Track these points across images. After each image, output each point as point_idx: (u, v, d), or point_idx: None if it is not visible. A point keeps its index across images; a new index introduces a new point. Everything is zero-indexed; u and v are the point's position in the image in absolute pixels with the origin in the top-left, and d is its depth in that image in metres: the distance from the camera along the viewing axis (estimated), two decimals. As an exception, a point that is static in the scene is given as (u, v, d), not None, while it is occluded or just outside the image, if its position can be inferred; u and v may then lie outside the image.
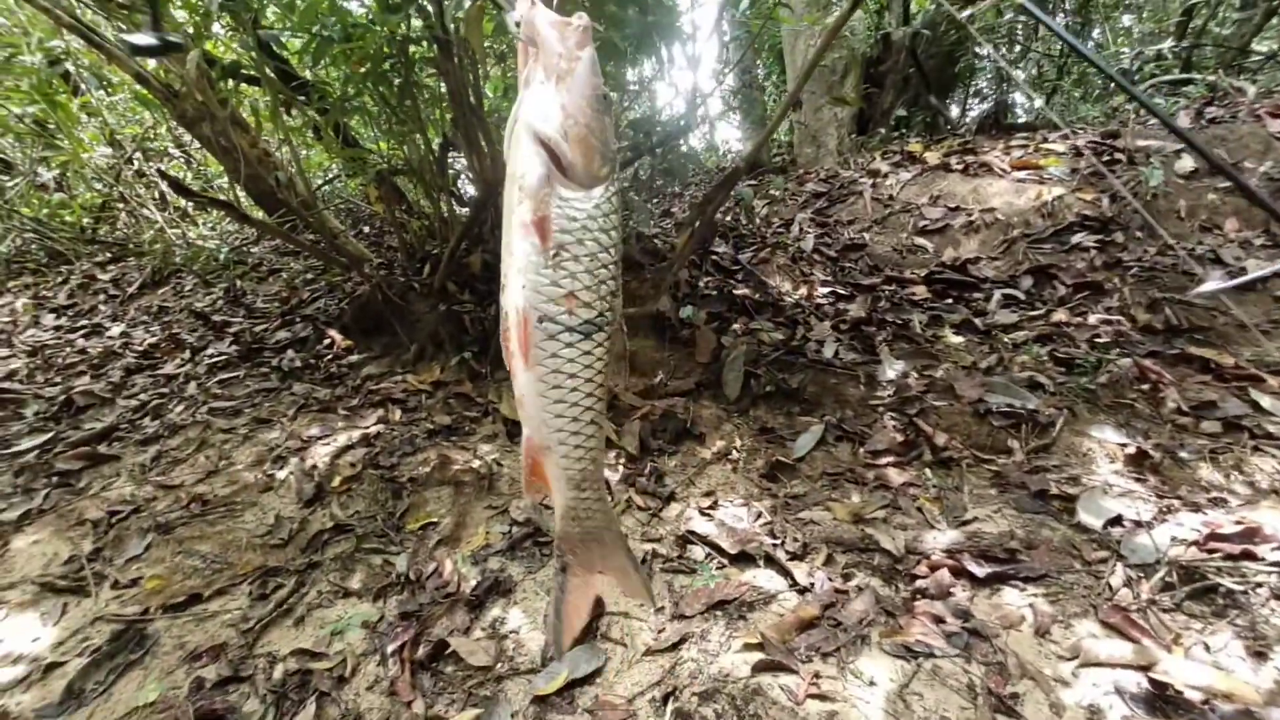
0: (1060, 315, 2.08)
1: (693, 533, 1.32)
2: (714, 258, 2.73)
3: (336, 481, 1.62)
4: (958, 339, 2.00)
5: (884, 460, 1.51)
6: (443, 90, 2.19)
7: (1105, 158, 2.84)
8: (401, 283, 2.58)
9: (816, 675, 0.94)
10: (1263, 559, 1.07)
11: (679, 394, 1.92)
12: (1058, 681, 0.90)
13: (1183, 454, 1.38)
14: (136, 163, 4.54)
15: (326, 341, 2.60)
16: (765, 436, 1.68)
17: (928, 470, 1.43)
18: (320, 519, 1.50)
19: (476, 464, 1.67)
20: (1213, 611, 0.99)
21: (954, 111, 5.66)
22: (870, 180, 3.37)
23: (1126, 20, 6.16)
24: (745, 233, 3.09)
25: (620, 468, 1.64)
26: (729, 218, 3.39)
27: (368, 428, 1.91)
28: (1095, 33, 5.89)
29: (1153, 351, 1.81)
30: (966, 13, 4.08)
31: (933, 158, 3.40)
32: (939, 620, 1.02)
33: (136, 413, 2.15)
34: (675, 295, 2.21)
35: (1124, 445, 1.42)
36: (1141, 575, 1.07)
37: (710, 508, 1.41)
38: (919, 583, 1.12)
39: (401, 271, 2.71)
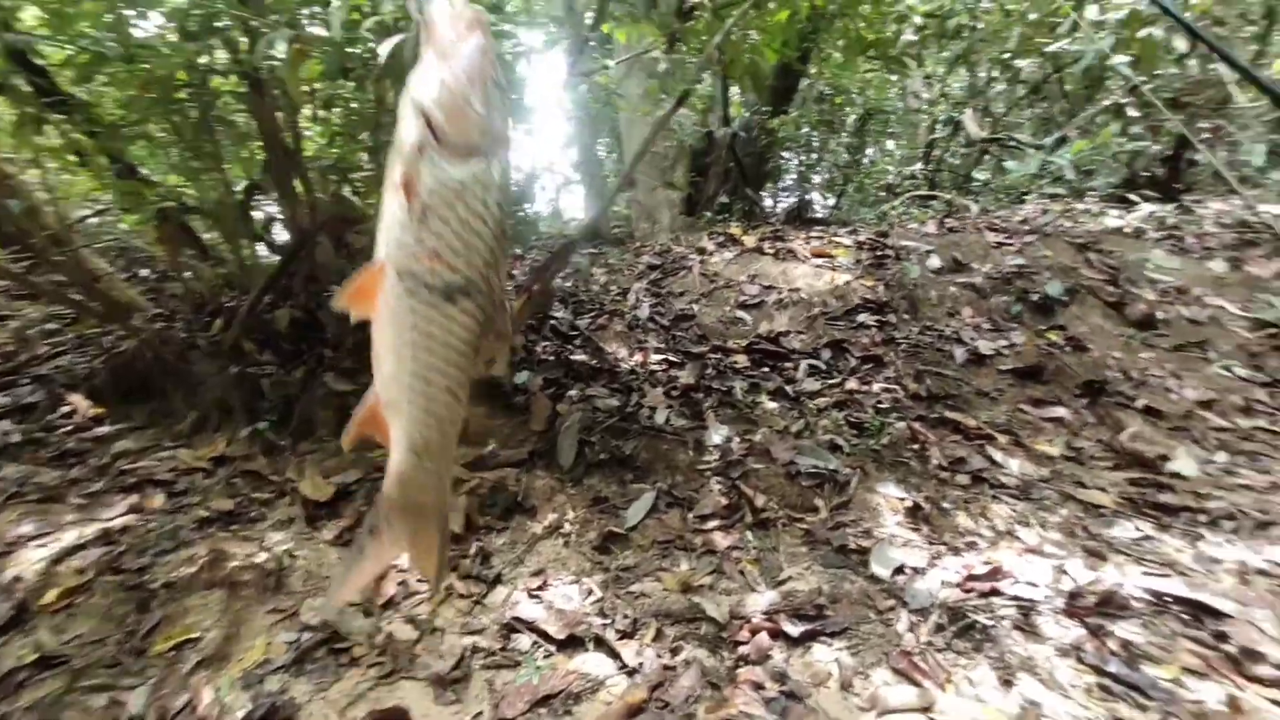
0: (852, 384, 2.39)
1: (518, 619, 1.23)
2: (553, 322, 2.73)
3: (51, 596, 1.26)
4: (773, 405, 2.19)
5: (710, 524, 1.57)
6: (254, 128, 1.98)
7: (880, 253, 3.42)
8: (182, 339, 2.20)
9: (643, 767, 0.90)
10: (1005, 594, 1.27)
11: (511, 464, 1.84)
12: (860, 735, 0.96)
13: (945, 504, 1.62)
14: None
15: (66, 409, 2.09)
16: (598, 506, 1.66)
17: (749, 533, 1.51)
18: (15, 651, 1.14)
19: (262, 557, 1.41)
20: (972, 646, 1.14)
21: (767, 202, 6.51)
22: (699, 257, 3.67)
23: (890, 145, 7.67)
24: (584, 299, 3.16)
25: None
26: (569, 283, 3.45)
27: (110, 520, 1.53)
28: (869, 151, 7.24)
29: (920, 415, 2.15)
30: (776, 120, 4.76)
31: (749, 241, 3.83)
32: (759, 687, 1.04)
33: None
34: (511, 361, 2.15)
35: (903, 499, 1.63)
36: (920, 619, 1.20)
37: (539, 588, 1.34)
38: (741, 649, 1.14)
39: (184, 325, 2.31)
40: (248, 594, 1.32)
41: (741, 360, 2.64)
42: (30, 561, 1.35)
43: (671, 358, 2.59)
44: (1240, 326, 2.88)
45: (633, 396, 2.15)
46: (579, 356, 2.45)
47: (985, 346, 2.61)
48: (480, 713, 1.02)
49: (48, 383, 2.24)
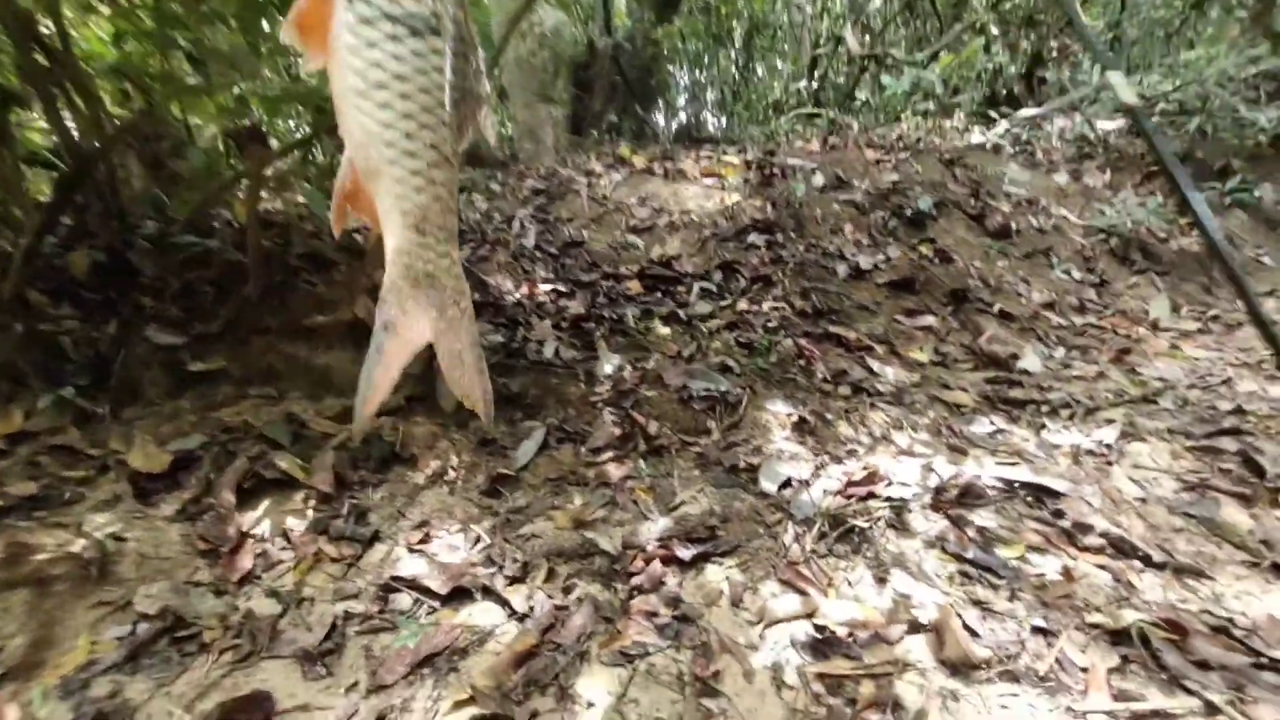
0: (743, 304, 2.40)
1: (397, 578, 1.14)
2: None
3: None
4: (665, 330, 2.15)
5: (604, 457, 1.53)
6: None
7: (767, 171, 3.40)
8: (-60, 292, 1.76)
9: (534, 715, 0.87)
10: (880, 496, 1.35)
11: (385, 413, 1.68)
12: (749, 648, 0.98)
13: (828, 415, 1.69)
14: None
15: None
16: (486, 449, 1.56)
17: (642, 461, 1.48)
18: None
19: (79, 545, 1.19)
20: (851, 550, 1.20)
21: (659, 121, 6.29)
22: (586, 180, 3.48)
23: (778, 62, 7.59)
24: (463, 229, 2.91)
25: (310, 512, 1.35)
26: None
27: None
28: (759, 69, 7.12)
29: (806, 332, 2.21)
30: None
31: (640, 162, 3.67)
32: (652, 615, 1.03)
33: None
34: (374, 297, 1.92)
35: (790, 414, 1.67)
36: (805, 529, 1.25)
37: (421, 542, 1.24)
38: (635, 580, 1.13)
39: (-58, 276, 1.85)
40: (61, 589, 1.11)
41: (634, 286, 2.57)
42: None
43: (561, 287, 2.46)
44: (1077, 234, 3.19)
45: (519, 331, 2.03)
46: (459, 291, 2.26)
47: (865, 261, 2.71)
48: (355, 683, 0.94)
49: None
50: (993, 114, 4.73)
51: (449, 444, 1.58)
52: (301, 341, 1.85)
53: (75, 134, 1.78)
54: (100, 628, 1.06)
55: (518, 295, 2.35)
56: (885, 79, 4.64)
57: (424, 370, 1.80)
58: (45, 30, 1.69)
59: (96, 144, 1.68)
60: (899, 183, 3.29)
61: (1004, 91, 5.26)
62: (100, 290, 1.84)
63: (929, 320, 2.39)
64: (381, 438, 1.57)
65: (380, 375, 0.77)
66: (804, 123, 5.37)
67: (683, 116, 6.30)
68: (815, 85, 5.99)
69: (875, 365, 1.99)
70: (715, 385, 1.74)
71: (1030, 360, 2.12)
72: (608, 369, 1.85)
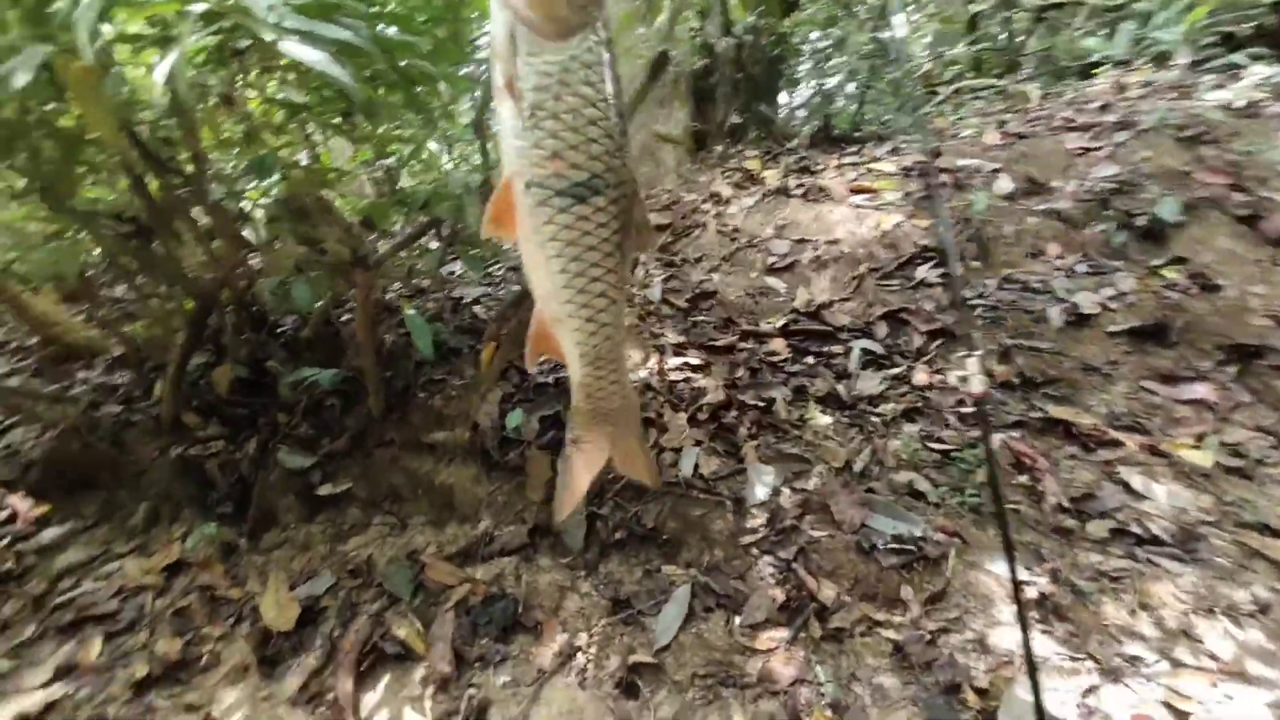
0: (920, 374, 1.93)
1: None
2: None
3: None
4: (825, 419, 1.76)
5: (765, 638, 1.20)
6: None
7: (933, 179, 2.81)
8: (115, 416, 1.87)
9: None
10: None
11: (508, 551, 1.49)
12: None
13: (1080, 583, 1.21)
14: None
15: (5, 512, 1.81)
16: (620, 613, 1.30)
17: (818, 668, 1.13)
18: None
19: (203, 749, 1.12)
20: None
21: (783, 115, 5.70)
22: (714, 208, 3.12)
23: (915, 16, 6.59)
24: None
25: (428, 702, 1.18)
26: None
27: (37, 690, 1.26)
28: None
29: (1019, 420, 1.69)
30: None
31: (772, 179, 3.23)
32: None
33: None
34: (494, 398, 1.75)
35: (1024, 585, 1.22)
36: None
37: (547, 786, 1.01)
38: None
39: (122, 397, 1.98)
40: (180, 821, 1.03)
41: (779, 348, 2.19)
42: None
43: (692, 358, 2.15)
44: None
45: (650, 433, 1.75)
46: (583, 373, 2.03)
47: (1086, 300, 2.08)
48: None
49: (-14, 478, 1.96)
50: (1236, 59, 3.61)
51: (578, 601, 1.35)
52: (426, 456, 1.73)
53: (209, 254, 1.79)
54: None
55: (646, 373, 2.07)
56: (1087, 40, 3.72)
57: (547, 495, 1.59)
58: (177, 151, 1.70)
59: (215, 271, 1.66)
60: (1120, 178, 2.54)
61: (1246, 29, 4.01)
62: (243, 405, 1.86)
63: (1199, 390, 1.74)
64: (504, 591, 1.38)
65: (573, 484, 0.98)
66: (967, 98, 4.53)
67: (809, 109, 5.64)
68: (976, 48, 5.05)
69: (1135, 479, 1.45)
70: (906, 526, 1.33)
71: (1389, 461, 1.44)
72: (760, 492, 1.51)
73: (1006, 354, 1.95)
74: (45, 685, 1.29)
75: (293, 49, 0.81)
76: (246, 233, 1.88)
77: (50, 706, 1.23)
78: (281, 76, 1.81)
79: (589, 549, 1.46)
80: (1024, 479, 1.48)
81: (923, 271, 2.39)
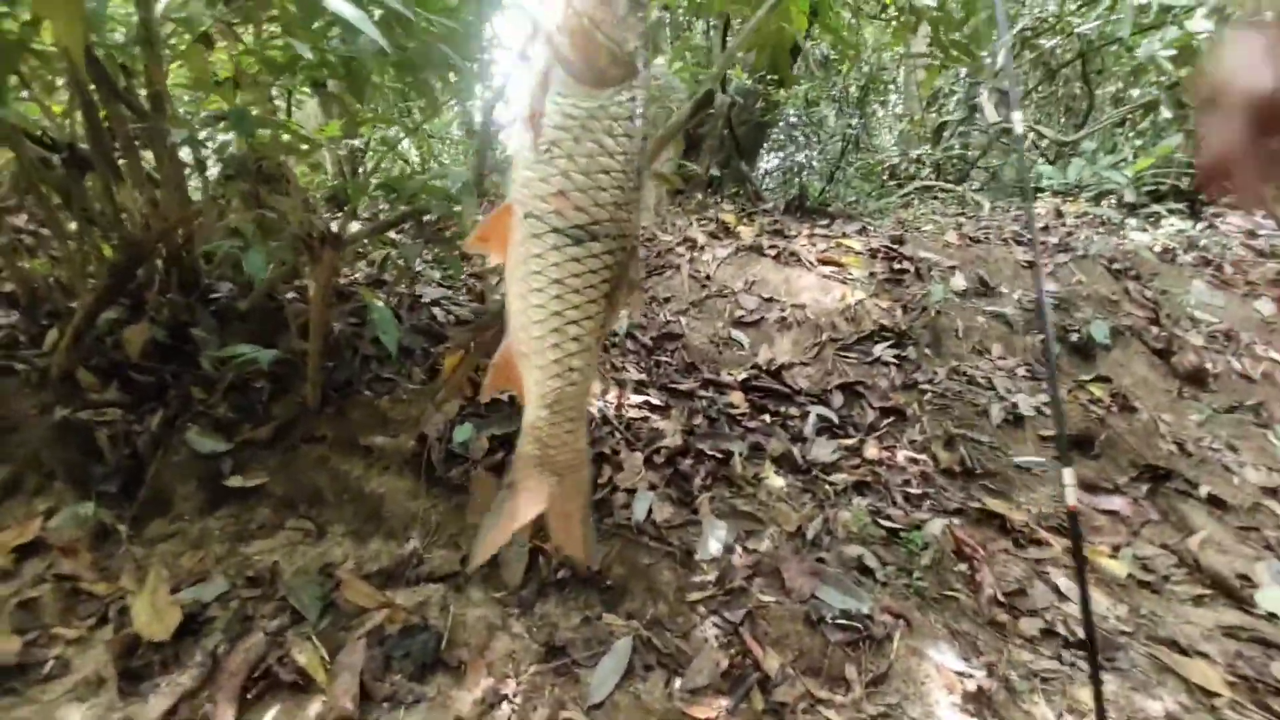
0: (872, 449, 1.97)
1: None
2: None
3: None
4: (779, 482, 1.75)
5: (705, 704, 1.14)
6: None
7: (896, 265, 2.96)
8: (-7, 359, 1.61)
9: None
10: None
11: (437, 578, 1.36)
12: None
13: (1014, 679, 1.23)
14: None
15: None
16: (553, 661, 1.21)
17: (761, 741, 1.08)
18: None
19: (29, 780, 0.92)
20: None
21: (760, 172, 5.93)
22: (689, 253, 3.15)
23: (892, 120, 7.11)
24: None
25: (321, 745, 1.03)
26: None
27: None
28: (877, 130, 6.65)
29: (959, 508, 1.75)
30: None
31: (747, 234, 3.32)
32: None
33: None
34: (446, 415, 1.64)
35: (959, 672, 1.22)
36: None
37: None
38: None
39: (4, 338, 1.71)
40: None
41: (738, 400, 2.19)
42: None
43: (653, 399, 2.11)
44: (1297, 388, 2.56)
45: (605, 468, 1.68)
46: (540, 396, 1.94)
47: (1024, 403, 2.22)
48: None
49: None
50: (1158, 208, 4.09)
51: (507, 644, 1.24)
52: (357, 459, 1.58)
53: (154, 200, 1.61)
54: None
55: (604, 405, 2.01)
56: (1043, 165, 4.09)
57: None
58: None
59: (169, 218, 1.48)
60: (1059, 296, 2.77)
61: (1165, 186, 4.56)
62: (154, 372, 1.65)
63: (1116, 503, 1.87)
64: (427, 623, 1.25)
65: (498, 529, 0.93)
66: (925, 197, 4.87)
67: (776, 169, 5.90)
68: (940, 154, 5.47)
69: (1061, 581, 1.51)
70: (854, 603, 1.32)
71: (1271, 595, 1.57)
72: (713, 546, 1.47)
73: (951, 441, 2.03)
74: None
75: (334, 3, 0.74)
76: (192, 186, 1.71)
77: None
78: (267, 30, 1.69)
79: (526, 585, 1.36)
80: (963, 567, 1.51)
81: (880, 349, 2.48)
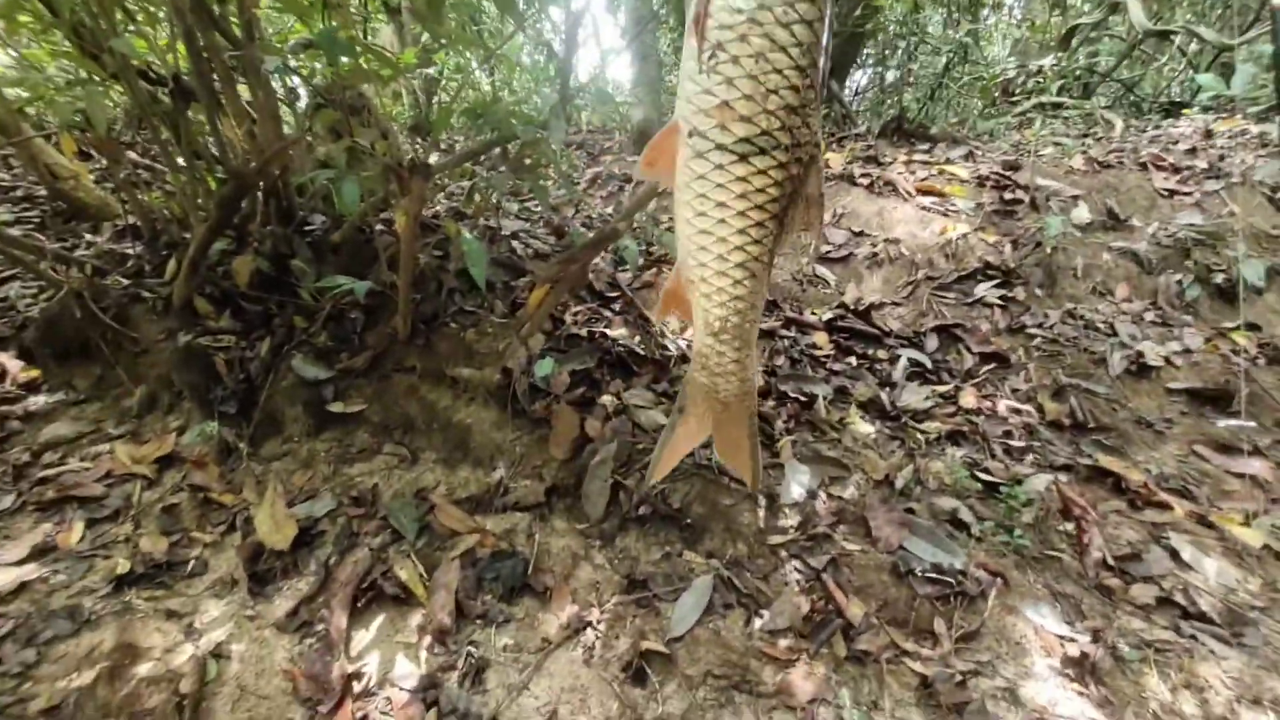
0: (969, 397, 1.84)
1: (512, 840, 0.85)
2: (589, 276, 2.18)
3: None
4: (867, 428, 1.67)
5: (786, 647, 1.14)
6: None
7: (1008, 194, 2.66)
8: (124, 288, 1.75)
9: None
10: None
11: (523, 507, 1.41)
12: None
13: (1122, 646, 1.15)
14: None
15: (-7, 371, 1.71)
16: (635, 593, 1.24)
17: (841, 690, 1.07)
18: None
19: (181, 658, 1.05)
20: None
21: (851, 90, 5.43)
22: (770, 183, 2.96)
23: (999, 24, 6.24)
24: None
25: (423, 653, 1.12)
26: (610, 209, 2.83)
27: (10, 567, 1.18)
28: (988, 39, 5.87)
29: (1067, 463, 1.61)
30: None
31: (837, 162, 3.07)
32: None
33: None
34: (528, 351, 1.65)
35: (1061, 636, 1.15)
36: None
37: (545, 766, 0.95)
38: None
39: (133, 270, 1.85)
40: (152, 733, 0.97)
41: (822, 342, 2.09)
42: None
43: (734, 337, 2.04)
44: None
45: (685, 408, 1.65)
46: (617, 332, 1.93)
47: (1151, 351, 1.98)
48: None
49: (-21, 328, 1.84)
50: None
51: (591, 573, 1.28)
52: (444, 389, 1.63)
53: (251, 131, 1.64)
54: (178, 810, 0.89)
55: (683, 343, 1.97)
56: (1201, 75, 3.50)
57: (571, 455, 1.50)
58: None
59: (266, 148, 1.51)
60: (1204, 230, 2.41)
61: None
62: (260, 301, 1.74)
63: (1254, 465, 1.67)
64: (514, 549, 1.30)
65: (669, 452, 0.97)
66: (1046, 115, 4.31)
67: (878, 102, 5.36)
68: (1068, 66, 4.78)
69: (1184, 548, 1.38)
70: (946, 556, 1.26)
71: None
72: (795, 490, 1.43)
73: (1060, 391, 1.86)
74: (19, 563, 1.21)
75: None
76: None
77: (23, 587, 1.16)
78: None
79: (608, 519, 1.39)
80: (1069, 527, 1.40)
81: (983, 289, 2.27)
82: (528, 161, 1.55)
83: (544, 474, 1.48)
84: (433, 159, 1.81)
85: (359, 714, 1.01)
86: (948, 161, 3.03)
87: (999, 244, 2.46)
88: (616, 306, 2.08)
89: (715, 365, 0.82)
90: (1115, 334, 2.08)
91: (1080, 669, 1.10)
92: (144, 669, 1.03)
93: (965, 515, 1.38)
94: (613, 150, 4.00)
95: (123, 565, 1.22)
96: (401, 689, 1.05)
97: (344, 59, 1.32)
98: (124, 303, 1.72)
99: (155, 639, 1.09)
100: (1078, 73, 4.81)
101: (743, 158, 0.64)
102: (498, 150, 1.43)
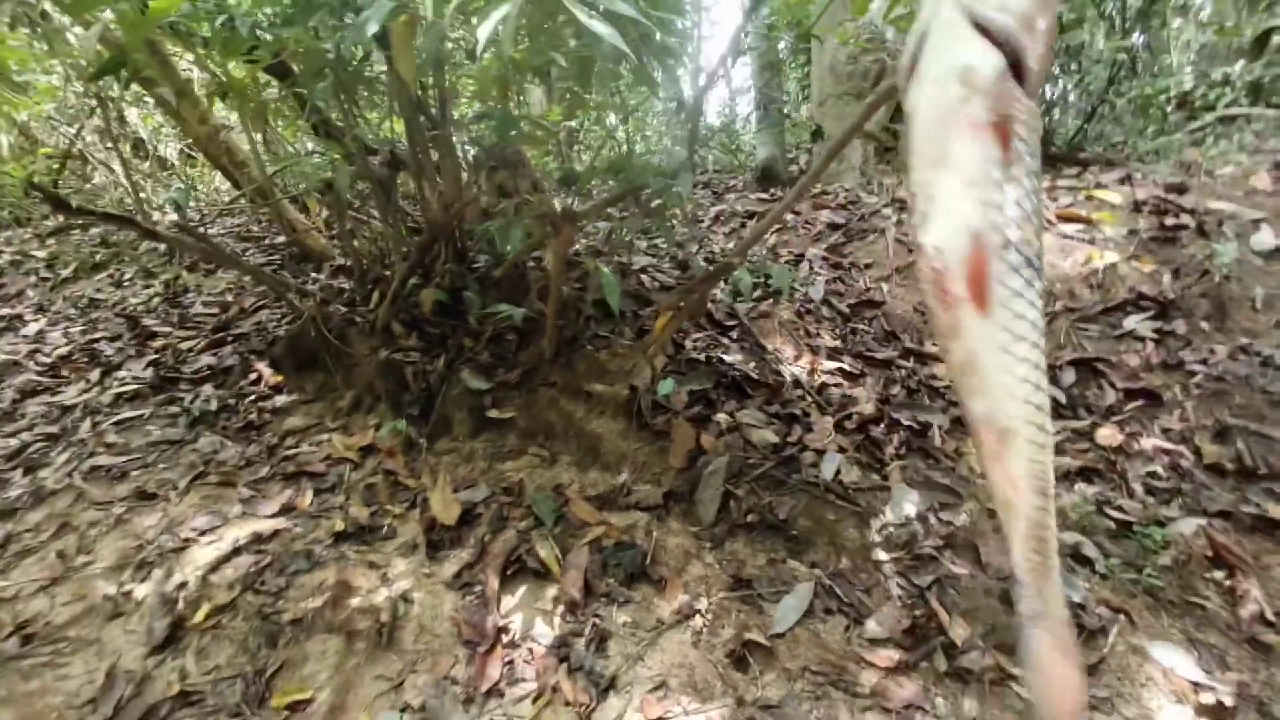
0: (1108, 433, 1.74)
1: (626, 773, 1.01)
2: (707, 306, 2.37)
3: (202, 614, 1.31)
4: (984, 458, 1.65)
5: (883, 654, 1.19)
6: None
7: (1170, 219, 2.45)
8: (343, 314, 2.23)
9: None
10: None
11: (644, 507, 1.60)
12: None
13: (1271, 702, 1.06)
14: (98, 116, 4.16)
15: (253, 376, 2.26)
16: (740, 591, 1.36)
17: (938, 699, 1.11)
18: (165, 678, 1.19)
19: (380, 598, 1.35)
20: None
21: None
22: (895, 214, 2.97)
23: (1189, 35, 5.60)
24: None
25: (556, 618, 1.33)
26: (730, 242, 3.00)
27: (265, 520, 1.59)
28: (1165, 43, 5.34)
29: (1224, 510, 1.48)
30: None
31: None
32: None
33: (8, 461, 1.82)
34: (652, 365, 1.85)
35: (1195, 681, 1.09)
36: None
37: (657, 721, 1.10)
38: None
39: (346, 299, 2.35)
40: (361, 648, 1.26)
41: (941, 373, 2.07)
42: (195, 564, 1.43)
43: (847, 364, 2.10)
44: None
45: (794, 429, 1.76)
46: (733, 357, 2.08)
47: (1348, 393, 1.74)
48: None
49: (244, 344, 2.44)
50: None
51: (702, 570, 1.42)
52: (580, 402, 1.88)
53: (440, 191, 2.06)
54: (377, 706, 1.16)
55: (796, 370, 2.07)
56: None
57: (687, 464, 1.67)
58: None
59: (452, 207, 1.90)
60: None
61: None
62: (438, 326, 2.14)
63: None
64: (634, 542, 1.49)
65: (1055, 682, 0.62)
66: (1225, 131, 3.83)
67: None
68: (1257, 70, 4.22)
69: (1370, 612, 1.22)
70: (1066, 589, 1.24)
71: None
72: (905, 509, 1.48)
73: (1225, 432, 1.70)
74: (273, 516, 1.62)
75: (592, 23, 0.89)
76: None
77: (275, 534, 1.55)
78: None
79: (719, 524, 1.52)
80: (1219, 575, 1.30)
81: (1134, 321, 2.12)
82: (655, 204, 1.78)
83: (662, 480, 1.66)
84: (576, 206, 2.12)
85: (506, 659, 1.24)
86: (1097, 186, 2.84)
87: (1156, 273, 2.27)
88: (734, 334, 2.24)
89: (1047, 532, 0.61)
90: (1302, 373, 1.84)
91: (1214, 717, 1.04)
92: (355, 601, 1.34)
93: (1090, 551, 1.34)
94: (736, 188, 4.19)
95: (339, 525, 1.58)
96: (540, 644, 1.26)
97: (510, 131, 1.65)
98: (342, 326, 2.20)
99: (361, 581, 1.41)
100: (1272, 79, 4.19)
101: (1039, 273, 0.58)
102: (632, 197, 1.67)
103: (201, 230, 3.09)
